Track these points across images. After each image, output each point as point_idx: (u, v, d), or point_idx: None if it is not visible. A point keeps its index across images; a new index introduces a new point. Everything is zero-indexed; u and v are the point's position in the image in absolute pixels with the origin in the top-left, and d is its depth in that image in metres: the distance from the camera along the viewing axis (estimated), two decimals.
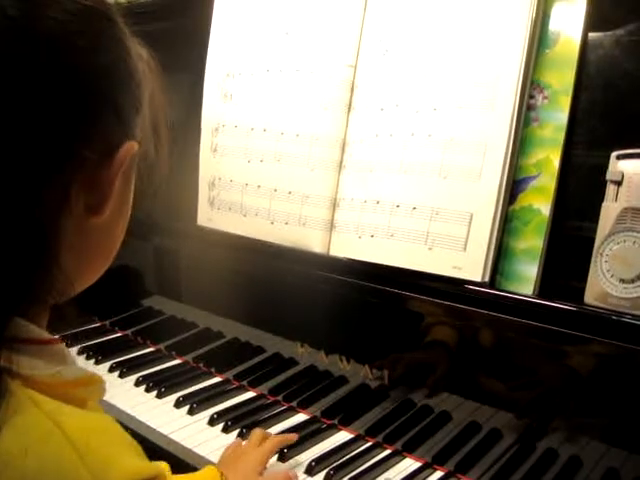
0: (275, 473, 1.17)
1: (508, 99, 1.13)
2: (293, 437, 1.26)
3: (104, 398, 1.37)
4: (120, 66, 0.64)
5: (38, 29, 0.57)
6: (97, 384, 0.66)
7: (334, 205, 1.34)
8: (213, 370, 1.59)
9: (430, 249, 1.19)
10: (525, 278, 1.12)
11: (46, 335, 0.62)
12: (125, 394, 1.49)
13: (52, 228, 0.59)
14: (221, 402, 1.45)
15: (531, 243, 1.12)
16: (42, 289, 0.61)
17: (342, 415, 1.36)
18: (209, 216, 1.55)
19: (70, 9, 0.59)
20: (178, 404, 1.43)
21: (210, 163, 1.54)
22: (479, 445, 1.19)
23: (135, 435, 1.31)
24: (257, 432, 1.24)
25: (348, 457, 1.25)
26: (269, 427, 1.35)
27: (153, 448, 1.32)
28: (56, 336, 0.64)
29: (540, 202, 1.12)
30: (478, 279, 1.13)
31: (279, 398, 1.46)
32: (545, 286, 1.12)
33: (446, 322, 1.19)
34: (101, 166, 0.62)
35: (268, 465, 1.19)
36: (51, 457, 0.55)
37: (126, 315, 1.85)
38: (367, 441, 1.31)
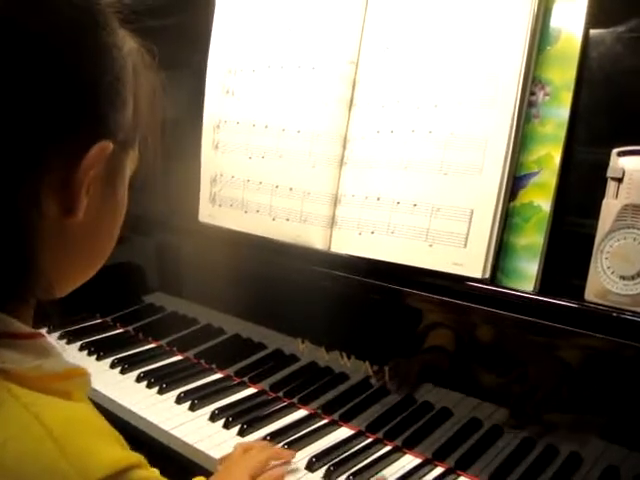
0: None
1: (509, 96, 1.13)
2: (291, 454, 1.24)
3: (105, 394, 1.39)
4: (97, 63, 0.63)
5: (6, 26, 0.56)
6: (80, 377, 0.66)
7: (335, 201, 1.34)
8: (214, 366, 1.59)
9: (430, 246, 1.19)
10: (526, 275, 1.12)
11: (26, 329, 0.62)
12: (126, 390, 1.49)
13: (25, 229, 0.58)
14: (222, 398, 1.45)
15: (532, 240, 1.12)
16: (21, 287, 0.61)
17: (343, 411, 1.37)
18: (210, 212, 1.55)
19: (41, 3, 0.59)
20: (179, 400, 1.43)
21: (212, 159, 1.54)
22: (480, 441, 1.19)
23: (136, 430, 1.33)
24: (253, 445, 1.23)
25: (349, 453, 1.25)
26: (270, 423, 1.36)
27: (154, 444, 1.33)
28: (45, 330, 0.63)
29: (541, 199, 1.12)
30: (478, 276, 1.13)
31: (280, 394, 1.46)
32: (546, 283, 1.12)
33: (447, 319, 1.20)
34: (70, 167, 0.61)
35: None
36: (30, 449, 0.55)
37: (128, 311, 1.85)
38: (368, 437, 1.32)
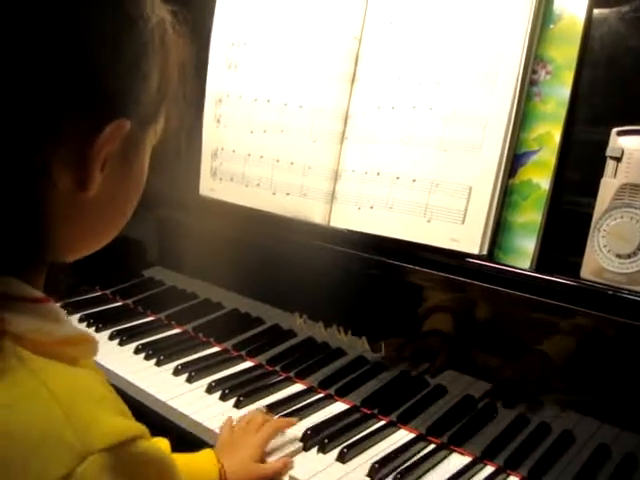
0: (271, 464, 1.17)
1: (511, 74, 1.13)
2: (292, 421, 1.27)
3: (104, 364, 1.40)
4: (120, 38, 0.60)
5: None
6: (88, 343, 0.66)
7: (335, 176, 1.35)
8: (212, 340, 1.60)
9: (429, 221, 1.19)
10: (523, 252, 1.13)
11: (38, 294, 0.62)
12: (125, 361, 1.50)
13: (36, 199, 0.58)
14: (219, 371, 1.46)
15: (530, 217, 1.13)
16: (31, 254, 0.61)
17: (338, 386, 1.38)
18: (211, 186, 1.55)
19: None
20: (177, 372, 1.44)
21: (213, 133, 1.54)
22: (473, 418, 1.20)
23: (133, 401, 1.33)
24: (257, 417, 1.25)
25: (343, 427, 1.26)
26: (266, 396, 1.37)
27: (151, 414, 1.34)
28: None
29: (540, 177, 1.12)
30: (476, 252, 1.14)
31: (277, 368, 1.47)
32: (542, 260, 1.12)
33: (444, 295, 1.20)
34: (84, 142, 0.59)
35: None
36: (37, 414, 0.55)
37: (127, 285, 1.86)
38: (362, 412, 1.32)
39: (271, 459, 1.17)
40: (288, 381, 1.44)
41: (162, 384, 1.41)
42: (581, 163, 1.11)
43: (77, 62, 0.57)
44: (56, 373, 0.58)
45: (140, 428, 0.61)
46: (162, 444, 1.07)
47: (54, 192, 0.59)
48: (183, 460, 1.07)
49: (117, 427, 0.58)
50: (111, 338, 1.60)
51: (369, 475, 1.14)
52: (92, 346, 0.67)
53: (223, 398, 1.35)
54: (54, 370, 0.58)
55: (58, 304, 0.64)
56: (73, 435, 0.54)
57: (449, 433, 1.22)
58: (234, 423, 1.24)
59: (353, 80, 1.33)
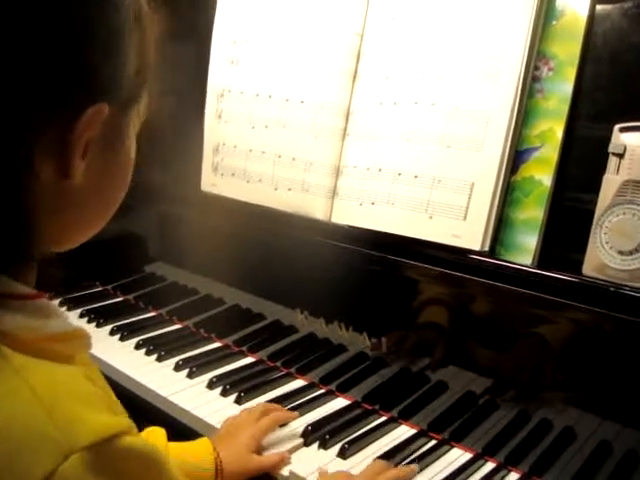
0: (267, 456, 1.17)
1: (513, 70, 1.13)
2: (291, 415, 1.27)
3: (105, 360, 1.40)
4: (96, 16, 0.58)
5: None
6: (80, 339, 0.65)
7: (337, 172, 1.34)
8: (213, 335, 1.60)
9: (430, 217, 1.19)
10: (525, 248, 1.13)
11: (27, 290, 0.61)
12: (125, 357, 1.50)
13: (20, 191, 0.57)
14: (220, 366, 1.46)
15: (532, 214, 1.13)
16: (18, 248, 0.60)
17: (340, 382, 1.38)
18: (213, 182, 1.55)
19: None
20: (178, 367, 1.44)
21: (215, 129, 1.54)
22: (474, 414, 1.20)
23: (134, 396, 1.33)
24: (258, 407, 1.25)
25: (344, 423, 1.26)
26: (267, 392, 1.37)
27: (152, 410, 1.34)
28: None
29: (542, 173, 1.12)
30: (477, 248, 1.14)
31: (278, 364, 1.47)
32: (544, 256, 1.12)
33: (445, 291, 1.20)
34: (63, 130, 0.58)
35: None
36: (19, 413, 0.54)
37: (128, 280, 1.86)
38: (364, 408, 1.33)
39: (269, 453, 1.17)
40: (289, 377, 1.44)
41: (163, 380, 1.40)
42: (583, 160, 1.11)
43: (53, 48, 0.56)
44: (39, 371, 0.57)
45: (125, 423, 0.60)
46: (159, 433, 1.07)
47: (37, 183, 0.58)
48: (179, 449, 1.07)
49: (100, 424, 0.57)
50: (112, 333, 1.60)
51: None
52: (84, 341, 0.66)
53: (224, 394, 1.35)
54: (37, 368, 0.57)
55: (57, 300, 0.63)
56: (57, 432, 0.54)
57: (450, 429, 1.23)
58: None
59: (355, 76, 1.33)
